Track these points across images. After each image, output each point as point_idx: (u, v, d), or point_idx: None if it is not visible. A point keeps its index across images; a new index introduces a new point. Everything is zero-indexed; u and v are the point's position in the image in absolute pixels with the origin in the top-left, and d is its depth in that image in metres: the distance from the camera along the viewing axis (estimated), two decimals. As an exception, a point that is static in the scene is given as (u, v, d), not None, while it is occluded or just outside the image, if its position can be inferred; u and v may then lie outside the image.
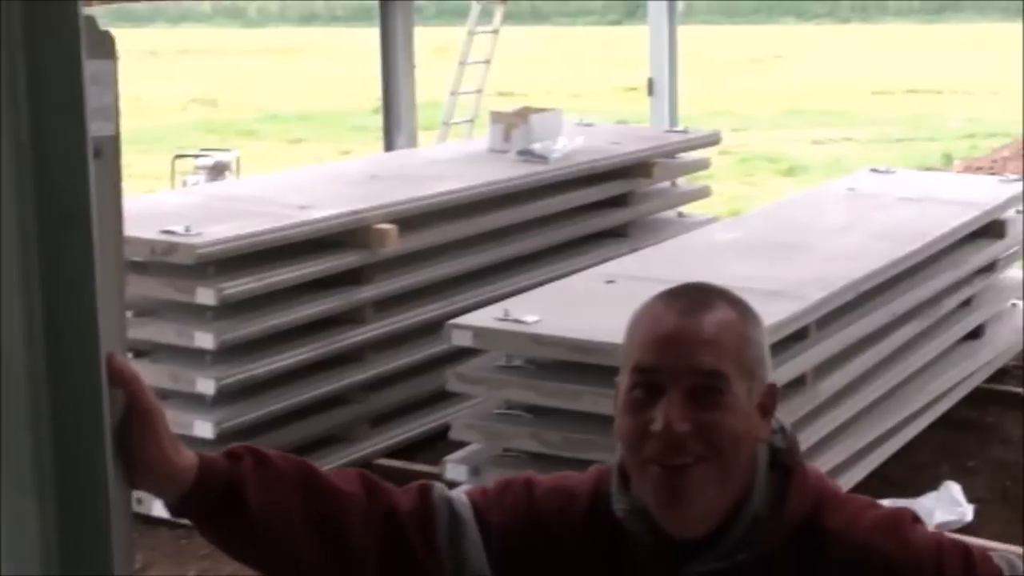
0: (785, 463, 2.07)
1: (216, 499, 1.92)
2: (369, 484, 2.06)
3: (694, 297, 2.07)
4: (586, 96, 21.60)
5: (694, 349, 1.98)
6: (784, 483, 2.05)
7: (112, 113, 1.75)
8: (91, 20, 1.65)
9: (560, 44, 28.77)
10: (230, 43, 30.58)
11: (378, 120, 9.43)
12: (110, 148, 1.73)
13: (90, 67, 1.63)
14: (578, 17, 34.64)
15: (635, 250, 7.08)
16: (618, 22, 32.93)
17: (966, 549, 2.06)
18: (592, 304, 5.50)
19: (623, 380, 2.03)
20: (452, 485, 3.49)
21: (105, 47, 1.73)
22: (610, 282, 5.81)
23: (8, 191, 1.49)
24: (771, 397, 2.05)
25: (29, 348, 1.51)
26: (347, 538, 2.00)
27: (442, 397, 6.26)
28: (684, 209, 8.86)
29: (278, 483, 1.97)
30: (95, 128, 1.65)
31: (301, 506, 1.98)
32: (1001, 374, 7.52)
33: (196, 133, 18.02)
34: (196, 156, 12.21)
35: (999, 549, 2.15)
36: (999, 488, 6.24)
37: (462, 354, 5.66)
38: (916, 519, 2.10)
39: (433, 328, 6.20)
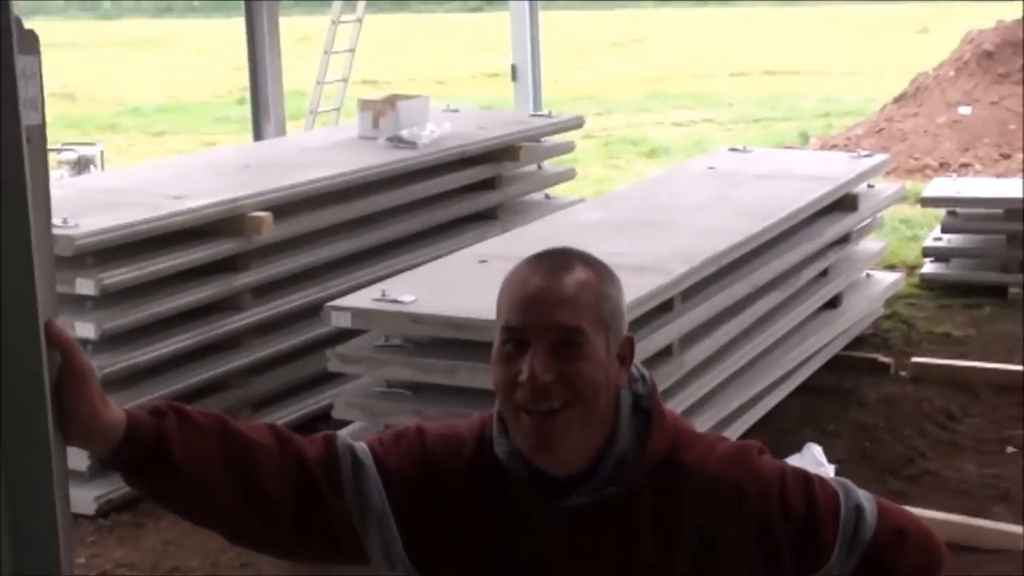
0: (646, 407, 2.32)
1: (144, 452, 2.11)
2: (279, 435, 2.26)
3: (555, 261, 2.30)
4: (449, 83, 21.74)
5: (555, 308, 2.22)
6: (646, 425, 2.30)
7: (38, 104, 1.91)
8: (18, 20, 1.81)
9: (422, 31, 28.87)
10: (85, 36, 30.24)
11: (242, 111, 9.51)
12: (38, 135, 1.90)
13: (19, 62, 1.80)
14: (439, 3, 34.72)
15: (505, 231, 7.29)
16: (479, 8, 33.08)
17: (806, 475, 2.34)
18: (466, 283, 5.69)
19: (496, 336, 2.26)
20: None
21: (30, 44, 1.89)
22: (483, 262, 6.01)
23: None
24: (628, 347, 2.31)
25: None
26: (263, 485, 2.20)
27: (323, 379, 6.43)
28: (551, 191, 9.10)
29: (199, 436, 2.16)
30: (26, 117, 1.82)
31: (219, 457, 2.17)
32: (858, 342, 7.85)
33: (56, 128, 17.79)
34: (59, 151, 12.16)
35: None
36: (858, 449, 6.52)
37: (341, 336, 5.83)
38: (762, 450, 2.37)
39: (311, 313, 6.38)
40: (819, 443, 6.33)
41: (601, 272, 2.31)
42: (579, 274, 2.27)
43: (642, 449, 2.28)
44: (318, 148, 8.00)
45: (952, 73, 15.00)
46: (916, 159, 13.62)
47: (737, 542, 2.27)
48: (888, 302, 8.41)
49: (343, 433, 2.36)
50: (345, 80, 13.76)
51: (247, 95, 9.72)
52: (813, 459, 6.24)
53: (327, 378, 6.22)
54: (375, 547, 2.30)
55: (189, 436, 2.15)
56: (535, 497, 2.28)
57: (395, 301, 5.42)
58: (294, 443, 2.27)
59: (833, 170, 7.86)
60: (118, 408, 2.10)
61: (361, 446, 2.33)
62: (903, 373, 7.51)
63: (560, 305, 2.23)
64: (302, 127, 12.79)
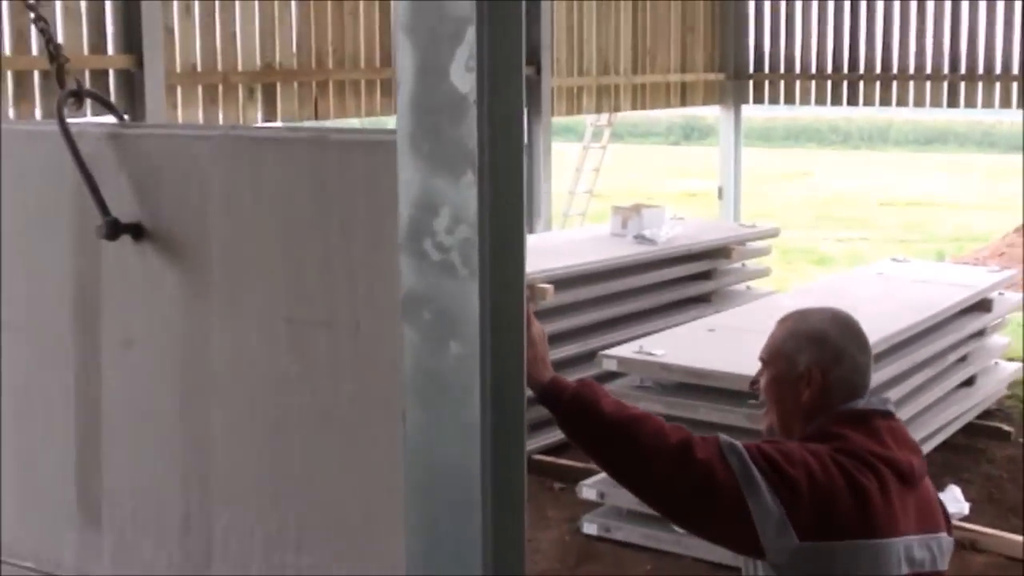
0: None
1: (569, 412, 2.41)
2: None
3: (787, 315, 2.76)
4: (657, 199, 22.02)
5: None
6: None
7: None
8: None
9: (631, 158, 29.31)
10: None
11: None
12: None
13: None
14: (646, 138, 35.17)
15: (719, 312, 7.67)
16: (677, 143, 33.53)
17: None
18: (701, 345, 6.11)
19: None
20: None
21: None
22: (711, 330, 6.43)
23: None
24: (808, 376, 2.62)
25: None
26: None
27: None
28: (751, 284, 9.45)
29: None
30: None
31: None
32: (986, 414, 7.98)
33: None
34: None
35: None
36: (987, 493, 6.72)
37: (606, 378, 6.25)
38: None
39: (571, 362, 6.82)
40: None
41: (800, 324, 2.68)
42: (782, 325, 2.71)
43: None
44: (582, 240, 8.51)
45: (1066, 210, 14.89)
46: (1032, 278, 13.58)
47: None
48: (1010, 385, 8.50)
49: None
50: (590, 192, 14.31)
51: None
52: (953, 497, 6.42)
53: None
54: None
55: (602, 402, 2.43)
56: None
57: (650, 354, 5.86)
58: None
59: (973, 280, 8.06)
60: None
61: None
62: (1022, 440, 7.63)
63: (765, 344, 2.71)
64: (554, 226, 13.31)
